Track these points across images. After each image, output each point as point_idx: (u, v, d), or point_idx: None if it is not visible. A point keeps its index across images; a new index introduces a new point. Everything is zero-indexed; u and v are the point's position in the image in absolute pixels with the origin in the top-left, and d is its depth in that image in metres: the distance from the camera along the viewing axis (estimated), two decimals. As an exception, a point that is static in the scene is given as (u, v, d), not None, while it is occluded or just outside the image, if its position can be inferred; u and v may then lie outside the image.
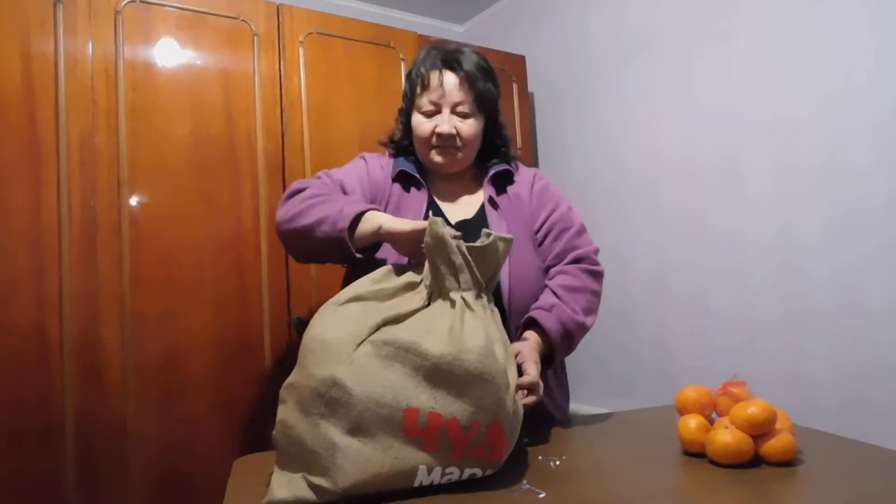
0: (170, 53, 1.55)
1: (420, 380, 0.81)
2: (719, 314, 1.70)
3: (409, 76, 1.22)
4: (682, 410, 1.00)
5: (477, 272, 0.87)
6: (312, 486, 0.79)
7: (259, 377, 1.58)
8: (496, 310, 0.91)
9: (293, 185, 1.15)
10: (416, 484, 0.79)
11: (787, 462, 0.87)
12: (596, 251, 1.24)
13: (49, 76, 1.41)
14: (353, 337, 0.82)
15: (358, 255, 1.02)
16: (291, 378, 0.86)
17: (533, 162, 2.33)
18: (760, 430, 0.88)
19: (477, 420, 0.79)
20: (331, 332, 0.84)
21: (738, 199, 1.65)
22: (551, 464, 0.92)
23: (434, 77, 1.16)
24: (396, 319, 0.85)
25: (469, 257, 0.87)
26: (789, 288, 1.53)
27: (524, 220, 1.22)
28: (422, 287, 0.91)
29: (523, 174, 1.29)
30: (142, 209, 1.48)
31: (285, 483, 0.81)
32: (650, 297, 1.91)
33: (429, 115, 1.17)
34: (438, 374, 0.81)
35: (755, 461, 0.88)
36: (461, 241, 0.88)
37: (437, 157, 1.19)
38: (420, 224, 0.95)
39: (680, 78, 1.83)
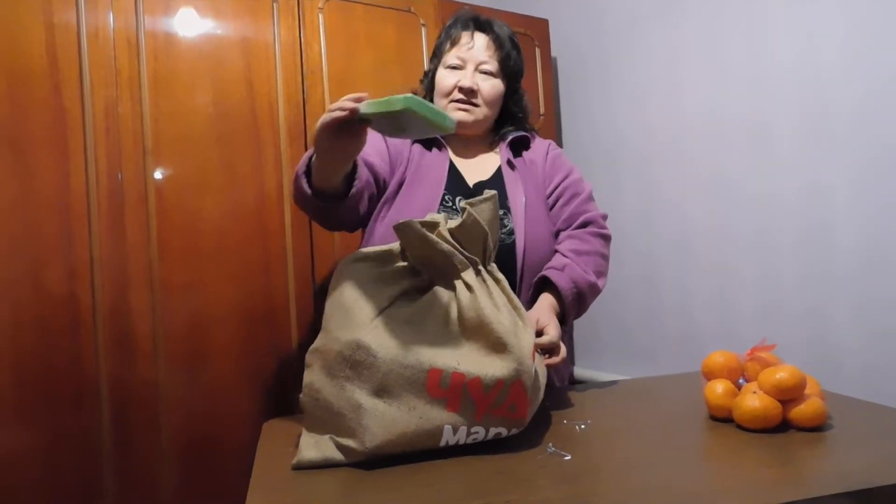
0: (190, 23, 1.55)
1: (442, 342, 0.82)
2: (744, 278, 1.67)
3: (440, 36, 1.27)
4: (709, 375, 0.99)
5: (466, 251, 0.87)
6: (340, 447, 0.80)
7: (285, 343, 1.60)
8: (502, 278, 0.91)
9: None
10: (443, 444, 0.81)
11: (816, 427, 0.86)
12: (604, 217, 1.26)
13: (72, 47, 1.41)
14: (374, 304, 0.84)
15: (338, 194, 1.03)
16: (317, 343, 0.88)
17: (556, 127, 2.30)
18: (789, 396, 0.87)
19: (500, 379, 0.79)
20: (352, 298, 0.85)
21: (764, 160, 1.61)
22: (577, 427, 0.92)
23: (465, 35, 1.21)
24: (410, 293, 0.88)
25: (453, 240, 0.86)
26: (815, 250, 1.49)
27: (538, 184, 1.25)
28: (422, 274, 0.91)
29: (538, 143, 1.32)
30: (166, 179, 1.49)
31: (313, 444, 0.82)
32: (675, 262, 1.89)
33: (453, 68, 1.21)
34: (461, 336, 0.83)
35: (783, 426, 0.87)
36: (441, 227, 0.86)
37: (457, 114, 1.20)
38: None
39: (705, 39, 1.77)
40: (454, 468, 0.78)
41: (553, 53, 2.30)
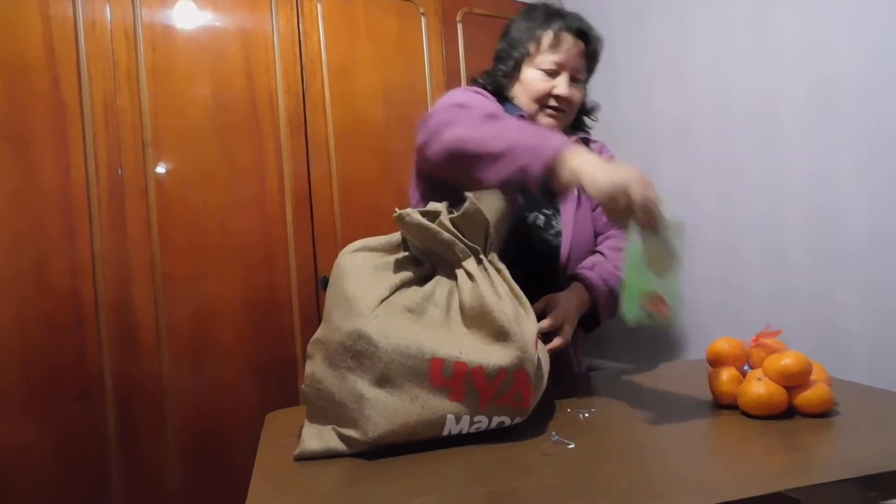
0: (188, 14, 1.54)
1: (444, 331, 0.82)
2: (751, 262, 1.66)
3: (531, 27, 1.18)
4: (714, 362, 0.99)
5: (467, 240, 0.87)
6: (343, 438, 0.80)
7: (288, 335, 1.60)
8: (503, 267, 0.90)
9: (453, 98, 1.03)
10: (445, 433, 0.80)
11: (822, 413, 0.85)
12: None
13: (70, 39, 1.41)
14: (375, 294, 0.83)
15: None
16: (318, 334, 0.87)
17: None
18: (794, 382, 0.86)
19: (503, 368, 0.79)
20: (353, 288, 0.85)
21: (771, 142, 1.60)
22: (580, 415, 0.92)
23: (568, 40, 1.16)
24: (411, 282, 0.87)
25: (454, 229, 0.86)
26: (823, 232, 1.48)
27: None
28: (424, 263, 0.91)
29: (593, 145, 1.32)
30: (166, 172, 1.49)
31: (316, 435, 0.82)
32: (680, 246, 1.88)
33: (548, 73, 1.16)
34: (462, 325, 0.82)
35: (789, 413, 0.86)
36: (443, 216, 0.85)
37: (545, 119, 1.18)
38: (618, 178, 0.80)
39: (712, 21, 1.75)
40: (458, 457, 0.78)
41: (554, 41, 2.27)
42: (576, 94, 1.18)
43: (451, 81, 1.91)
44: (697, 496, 0.63)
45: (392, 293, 0.85)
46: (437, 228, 0.86)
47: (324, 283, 1.63)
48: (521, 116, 1.18)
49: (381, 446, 0.79)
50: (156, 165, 1.48)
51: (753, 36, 1.64)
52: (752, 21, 1.64)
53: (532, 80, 1.17)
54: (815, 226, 1.50)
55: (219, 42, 1.57)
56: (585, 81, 1.23)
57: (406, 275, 0.88)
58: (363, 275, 0.87)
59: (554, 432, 0.84)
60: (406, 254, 0.91)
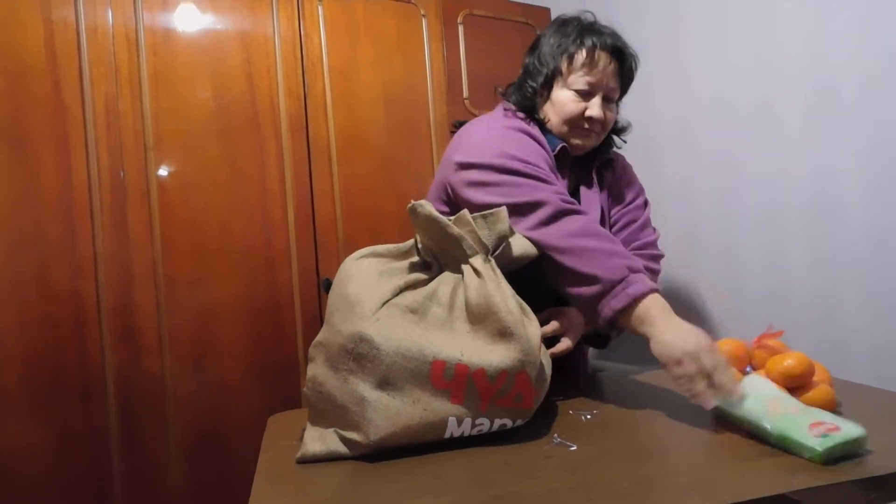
0: (189, 18, 1.54)
1: (447, 331, 0.82)
2: (751, 260, 1.66)
3: (561, 42, 1.15)
4: (716, 364, 0.98)
5: (482, 236, 0.88)
6: (345, 440, 0.80)
7: (290, 338, 1.60)
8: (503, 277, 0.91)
9: (550, 203, 0.97)
10: (447, 436, 0.80)
11: (825, 414, 0.85)
12: (656, 240, 1.28)
13: (71, 43, 1.41)
14: (377, 296, 0.83)
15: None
16: (320, 336, 0.87)
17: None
18: (797, 383, 0.86)
19: (504, 370, 0.79)
20: (355, 291, 0.85)
21: (771, 140, 1.59)
22: (582, 417, 0.92)
23: (603, 59, 1.12)
24: (416, 285, 0.87)
25: (474, 224, 0.87)
26: (823, 230, 1.48)
27: (607, 203, 1.26)
28: (433, 267, 0.92)
29: (617, 160, 1.32)
30: (168, 174, 1.49)
31: (318, 437, 0.82)
32: (680, 246, 1.87)
33: (581, 94, 1.13)
34: (466, 323, 0.83)
35: (791, 413, 0.86)
36: (464, 210, 0.88)
37: (577, 140, 1.16)
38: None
39: (711, 20, 1.75)
40: (459, 460, 0.78)
41: (555, 42, 2.28)
42: (609, 116, 1.15)
43: (453, 83, 1.91)
44: (700, 498, 0.63)
45: (395, 295, 0.85)
46: (447, 222, 0.86)
47: (326, 285, 1.63)
48: (566, 149, 1.14)
49: (383, 449, 0.79)
50: (157, 168, 1.48)
51: (753, 35, 1.64)
52: (752, 20, 1.64)
53: (564, 101, 1.13)
54: (815, 224, 1.50)
55: (220, 45, 1.57)
56: (619, 100, 1.20)
57: (412, 278, 0.88)
58: (367, 279, 0.87)
59: (556, 434, 0.84)
60: (415, 259, 0.92)
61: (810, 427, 0.72)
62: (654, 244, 1.27)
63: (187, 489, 1.47)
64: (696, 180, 1.82)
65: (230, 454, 1.51)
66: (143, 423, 1.44)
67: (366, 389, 0.78)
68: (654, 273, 1.23)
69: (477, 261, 0.86)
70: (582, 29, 1.15)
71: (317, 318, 1.62)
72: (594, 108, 1.12)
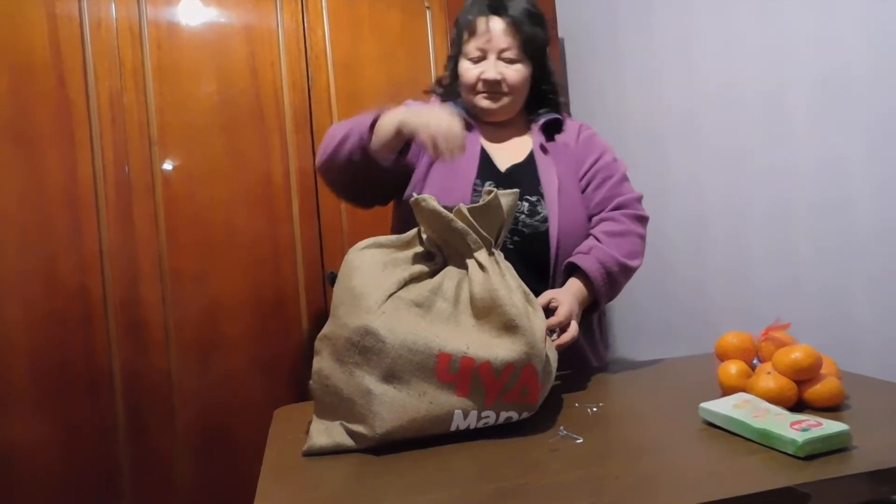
0: (193, 11, 1.53)
1: (452, 325, 0.82)
2: (759, 254, 1.65)
3: (456, 22, 1.22)
4: (723, 356, 0.98)
5: (483, 231, 0.87)
6: (351, 433, 0.80)
7: (295, 331, 1.60)
8: (510, 266, 0.90)
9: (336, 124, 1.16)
10: (453, 428, 0.80)
11: (833, 407, 0.85)
12: (639, 198, 1.24)
13: (75, 37, 1.41)
14: (382, 289, 0.83)
15: (387, 165, 1.07)
16: (325, 329, 0.87)
17: (565, 107, 2.27)
18: (804, 376, 0.85)
19: (510, 363, 0.79)
20: (360, 284, 0.85)
21: (780, 132, 1.58)
22: (588, 410, 0.92)
23: (481, 23, 1.15)
24: (420, 277, 0.87)
25: (472, 218, 0.86)
26: (833, 223, 1.46)
27: (572, 168, 1.22)
28: (436, 258, 0.91)
29: (570, 124, 1.29)
30: (173, 168, 1.49)
31: (324, 430, 0.82)
32: (688, 240, 1.87)
33: (475, 61, 1.17)
34: (471, 317, 0.82)
35: (799, 407, 0.85)
36: (462, 205, 0.88)
37: (482, 103, 1.18)
38: (446, 117, 0.96)
39: (718, 8, 1.74)
40: (465, 452, 0.78)
41: (560, 34, 2.26)
42: (509, 74, 1.16)
43: (457, 76, 1.89)
44: (707, 491, 0.63)
45: (400, 288, 0.85)
46: (452, 216, 0.86)
47: (331, 278, 1.63)
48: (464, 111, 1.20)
49: (389, 442, 0.79)
50: (162, 162, 1.49)
51: (761, 26, 1.62)
52: (759, 12, 1.62)
53: (462, 71, 1.18)
54: (824, 218, 1.49)
55: (224, 39, 1.56)
56: (529, 57, 1.18)
57: (416, 269, 0.88)
58: (371, 271, 0.86)
59: (562, 427, 0.84)
60: (418, 249, 0.91)
61: (791, 424, 0.73)
62: (637, 202, 1.23)
63: (194, 481, 1.48)
64: (703, 174, 1.81)
65: (236, 446, 1.52)
66: (150, 416, 1.45)
67: (372, 382, 0.78)
68: (639, 237, 1.20)
69: (481, 255, 0.86)
70: (469, 4, 1.20)
71: (322, 310, 1.62)
72: (488, 69, 1.15)
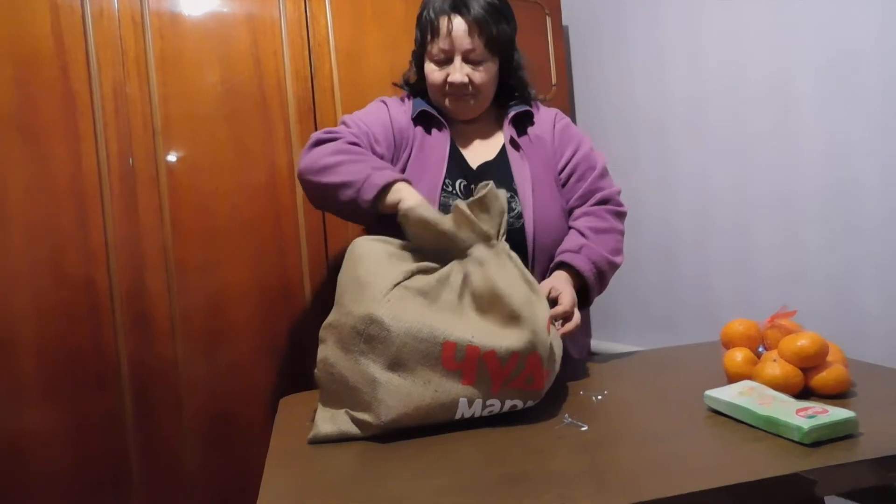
0: (195, 1, 1.53)
1: (457, 315, 0.82)
2: (765, 244, 1.64)
3: (419, 20, 1.18)
4: (729, 344, 0.98)
5: (480, 225, 0.87)
6: (356, 421, 0.80)
7: (300, 320, 1.61)
8: (514, 254, 0.90)
9: (318, 134, 1.12)
10: (458, 416, 0.80)
11: (839, 394, 0.85)
12: (619, 192, 1.23)
13: (77, 27, 1.40)
14: (388, 278, 0.83)
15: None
16: (330, 318, 0.88)
17: (569, 97, 2.25)
18: (810, 363, 0.85)
19: (515, 352, 0.79)
20: (366, 273, 0.85)
21: (786, 116, 1.57)
22: (593, 398, 0.92)
23: (443, 23, 1.11)
24: (428, 270, 0.87)
25: (469, 213, 0.86)
26: (839, 211, 1.45)
27: (546, 161, 1.20)
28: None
29: (543, 115, 1.27)
30: (177, 159, 1.49)
31: (329, 418, 0.83)
32: (693, 230, 1.86)
33: (440, 63, 1.14)
34: (475, 309, 0.82)
35: (805, 394, 0.85)
36: (459, 201, 0.87)
37: (450, 105, 1.17)
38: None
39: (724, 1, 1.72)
40: (470, 440, 0.78)
41: (564, 22, 2.24)
42: (476, 76, 1.13)
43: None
44: (712, 478, 0.63)
45: (406, 278, 0.85)
46: (437, 220, 0.86)
47: (335, 267, 1.64)
48: (426, 111, 1.18)
49: (394, 430, 0.79)
50: (166, 153, 1.48)
51: (767, 12, 1.60)
52: (767, 3, 1.60)
53: (428, 73, 1.16)
54: (830, 206, 1.48)
55: (226, 28, 1.56)
56: (495, 56, 1.15)
57: (421, 261, 0.88)
58: (378, 260, 0.87)
59: (567, 415, 0.84)
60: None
61: (797, 411, 0.73)
62: (617, 197, 1.22)
63: (201, 469, 1.49)
64: (709, 162, 1.79)
65: (243, 435, 1.53)
66: (158, 406, 1.46)
67: (377, 370, 0.78)
68: (620, 234, 1.19)
69: (479, 249, 0.86)
70: (427, 1, 1.16)
71: (327, 300, 1.62)
72: (454, 72, 1.12)
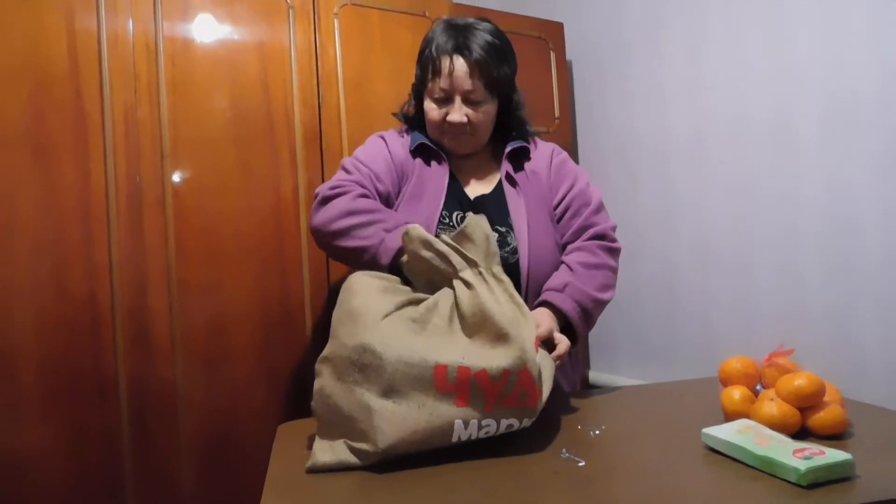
0: (207, 28, 1.56)
1: (447, 339, 0.84)
2: (765, 280, 1.65)
3: (420, 56, 1.20)
4: (726, 381, 0.98)
5: (466, 252, 0.90)
6: (354, 451, 0.81)
7: (301, 344, 1.61)
8: (505, 277, 0.92)
9: (324, 190, 1.13)
10: (455, 439, 0.81)
11: (836, 435, 0.85)
12: (613, 228, 1.23)
13: (93, 52, 1.43)
14: (380, 309, 0.86)
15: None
16: (326, 351, 0.89)
17: (572, 131, 2.29)
18: (808, 403, 0.86)
19: (506, 369, 0.80)
20: (359, 305, 0.87)
21: (786, 157, 1.59)
22: (591, 433, 0.92)
23: (445, 63, 1.12)
24: (418, 301, 0.90)
25: (453, 243, 0.90)
26: (839, 249, 1.47)
27: (542, 196, 1.21)
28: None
29: (541, 150, 1.28)
30: (183, 181, 1.51)
31: (328, 447, 0.83)
32: (693, 264, 1.87)
33: (440, 102, 1.15)
34: (464, 331, 0.85)
35: (802, 434, 0.85)
36: (444, 235, 0.92)
37: (448, 143, 1.19)
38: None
39: (726, 37, 1.76)
40: (468, 472, 0.78)
41: (568, 57, 2.29)
42: (474, 116, 1.14)
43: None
44: (708, 517, 0.63)
45: (398, 309, 0.87)
46: (429, 247, 0.89)
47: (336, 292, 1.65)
48: (424, 144, 1.20)
49: (393, 457, 0.79)
50: (173, 175, 1.50)
51: (768, 51, 1.64)
52: (767, 37, 1.64)
53: (427, 110, 1.17)
54: (830, 242, 1.49)
55: (237, 55, 1.59)
56: (494, 97, 1.17)
57: (414, 296, 0.90)
58: (371, 293, 0.89)
59: (564, 449, 0.84)
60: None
61: (794, 451, 0.73)
62: (611, 232, 1.21)
63: (197, 489, 1.48)
64: (709, 199, 1.81)
65: (240, 457, 1.52)
66: (156, 425, 1.45)
67: (371, 398, 0.79)
68: (612, 270, 1.18)
69: (466, 274, 0.88)
70: (435, 35, 1.17)
71: (327, 324, 1.62)
72: (453, 112, 1.14)
